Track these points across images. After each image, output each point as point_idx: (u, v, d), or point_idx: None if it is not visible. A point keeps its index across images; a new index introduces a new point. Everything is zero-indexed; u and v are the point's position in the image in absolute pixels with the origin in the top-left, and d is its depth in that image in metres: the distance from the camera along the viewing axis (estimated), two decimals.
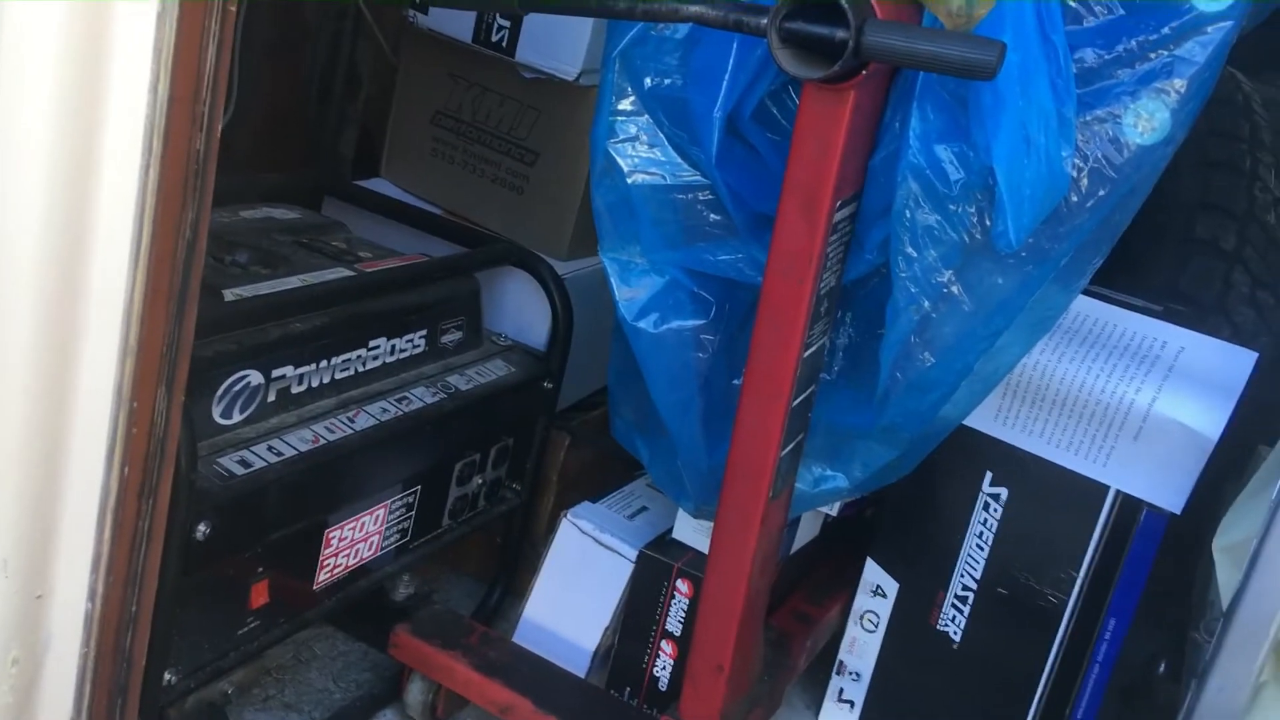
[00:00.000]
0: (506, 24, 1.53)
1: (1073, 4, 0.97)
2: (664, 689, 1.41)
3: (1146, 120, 0.93)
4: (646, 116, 1.10)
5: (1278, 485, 1.00)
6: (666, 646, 1.40)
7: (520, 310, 1.57)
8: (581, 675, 1.41)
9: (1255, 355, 1.32)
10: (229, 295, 1.18)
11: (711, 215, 1.13)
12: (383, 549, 1.32)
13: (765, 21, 0.90)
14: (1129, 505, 1.34)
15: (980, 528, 1.41)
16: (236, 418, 1.13)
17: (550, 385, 1.51)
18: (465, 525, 1.45)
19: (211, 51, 0.67)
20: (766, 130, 1.08)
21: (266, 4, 1.80)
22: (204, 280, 0.80)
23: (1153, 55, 0.93)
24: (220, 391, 1.11)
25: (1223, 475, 1.32)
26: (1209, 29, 0.93)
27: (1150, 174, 0.99)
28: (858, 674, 1.52)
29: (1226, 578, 1.16)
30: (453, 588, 1.66)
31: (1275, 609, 1.01)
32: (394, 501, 1.30)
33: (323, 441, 1.18)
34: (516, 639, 1.44)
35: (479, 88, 1.65)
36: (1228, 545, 1.17)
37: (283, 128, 1.90)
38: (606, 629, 1.43)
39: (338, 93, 1.92)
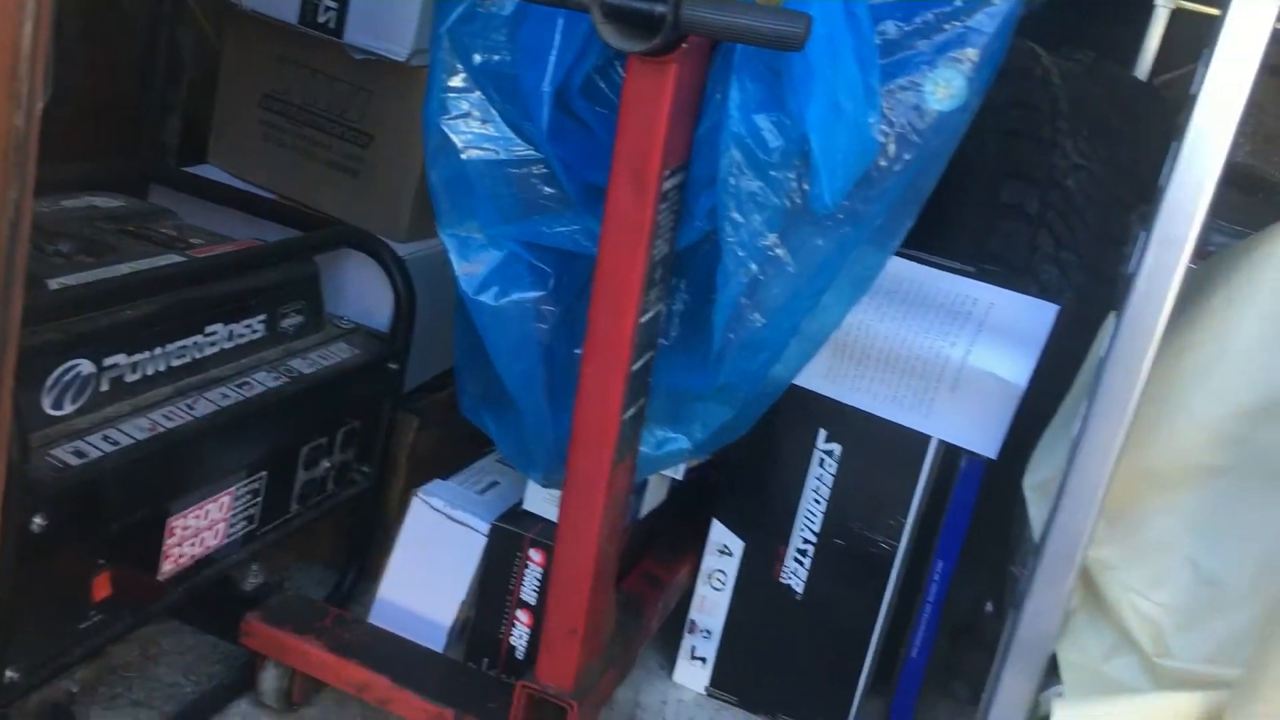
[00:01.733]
0: (334, 5, 1.52)
1: None
2: (521, 658, 1.44)
3: (945, 88, 1.01)
4: (478, 93, 1.12)
5: (1078, 425, 1.09)
6: (522, 616, 1.43)
7: (361, 293, 1.56)
8: (439, 650, 1.42)
9: (1056, 308, 1.43)
10: (54, 284, 1.15)
11: (546, 188, 1.15)
12: (229, 537, 1.30)
13: None
14: (950, 453, 1.43)
15: (817, 483, 1.48)
16: (68, 408, 1.11)
17: (396, 366, 1.52)
18: (315, 510, 1.45)
19: (29, 28, 0.67)
20: (595, 104, 1.12)
21: None
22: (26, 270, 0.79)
23: (947, 26, 1.01)
24: (50, 382, 1.08)
25: (1037, 424, 1.43)
26: (996, 1, 1.00)
27: (951, 139, 1.07)
28: (709, 631, 1.58)
29: (1037, 513, 1.25)
30: (304, 576, 1.64)
31: (1080, 539, 1.10)
32: (239, 488, 1.29)
33: (161, 429, 1.16)
34: (372, 620, 1.45)
35: (307, 69, 1.64)
36: (1036, 483, 1.27)
37: (101, 117, 1.84)
38: (462, 603, 1.45)
39: (159, 78, 1.87)
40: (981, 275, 1.51)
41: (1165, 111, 2.19)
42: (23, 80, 0.67)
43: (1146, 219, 1.02)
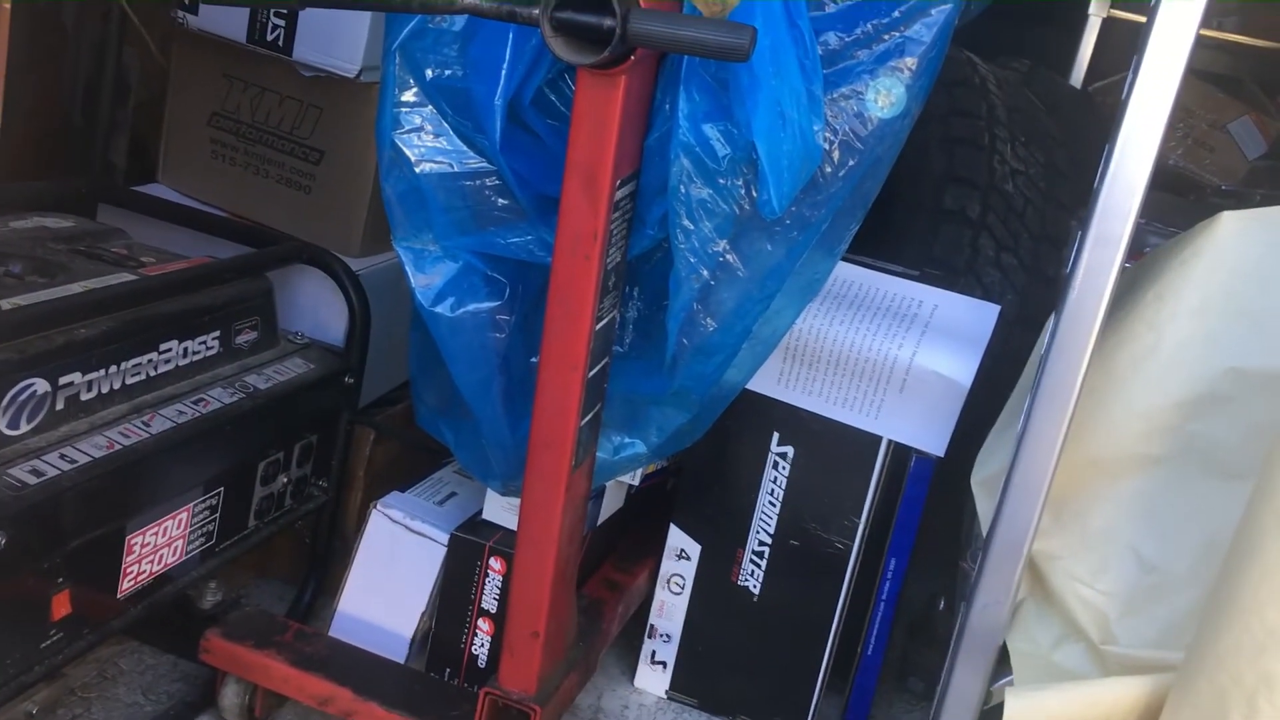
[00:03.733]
0: (282, 22, 1.53)
1: None
2: (483, 666, 1.45)
3: (885, 96, 1.04)
4: (430, 107, 1.14)
5: (1021, 421, 1.12)
6: (483, 624, 1.44)
7: (316, 308, 1.57)
8: (401, 661, 1.43)
9: (998, 308, 1.47)
10: (6, 305, 1.15)
11: (500, 200, 1.17)
12: (188, 553, 1.30)
13: (537, 12, 0.95)
14: (900, 452, 1.46)
15: (771, 485, 1.51)
16: (24, 427, 1.10)
17: (351, 380, 1.52)
18: (272, 525, 1.45)
19: None
20: (546, 116, 1.14)
21: (19, 9, 1.73)
22: None
23: (886, 37, 1.04)
24: (5, 401, 1.08)
25: (984, 424, 1.46)
26: (933, 12, 1.04)
27: (893, 145, 1.10)
28: (668, 635, 1.59)
29: (985, 508, 1.28)
30: (262, 592, 1.64)
31: (1026, 532, 1.13)
32: (197, 504, 1.29)
33: (117, 446, 1.16)
34: (333, 633, 1.45)
35: (256, 87, 1.64)
36: (983, 479, 1.30)
37: (48, 137, 1.83)
38: (423, 614, 1.45)
39: (105, 98, 1.86)
40: (925, 279, 1.55)
41: (1099, 117, 2.26)
42: None
43: (1083, 220, 1.06)
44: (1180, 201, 2.25)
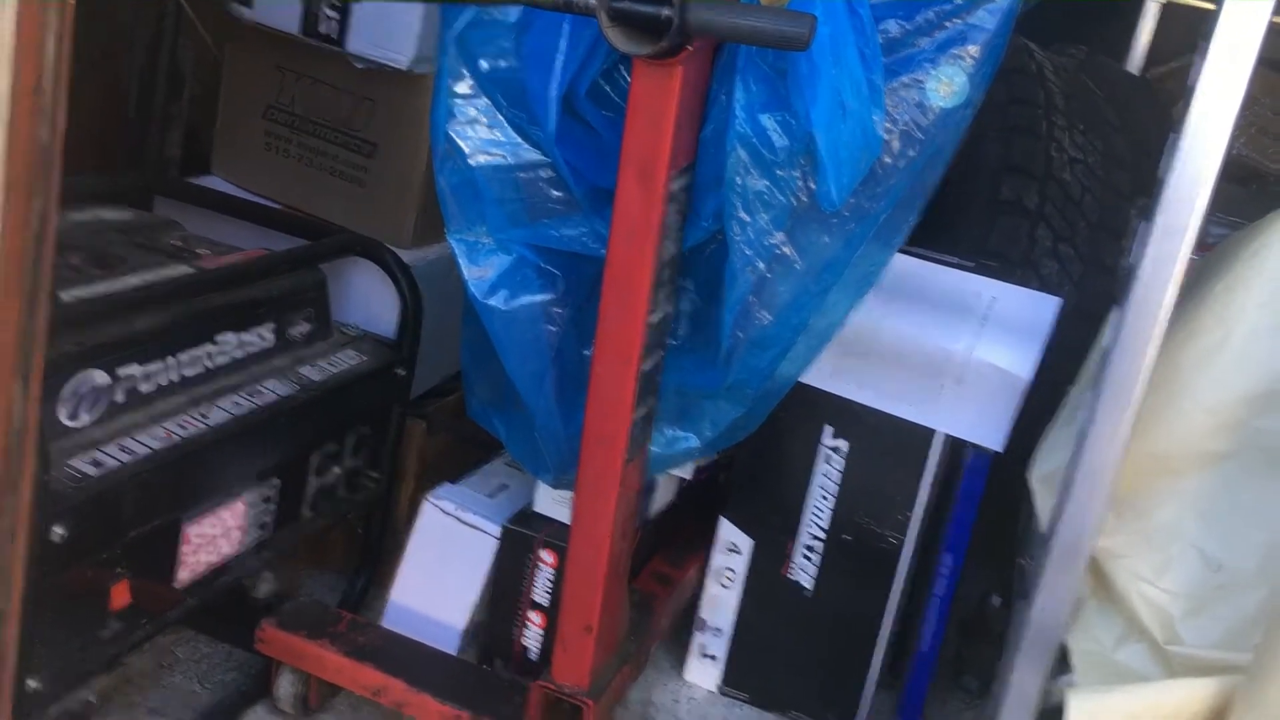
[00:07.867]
0: (335, 15, 1.53)
1: None
2: (534, 658, 1.45)
3: (947, 84, 1.02)
4: (485, 99, 1.13)
5: (1084, 416, 1.10)
6: (534, 617, 1.44)
7: (368, 300, 1.57)
8: (452, 653, 1.43)
9: (1059, 300, 1.44)
10: (66, 297, 1.16)
11: (554, 192, 1.17)
12: (244, 543, 1.31)
13: (594, 2, 0.94)
14: (956, 447, 1.44)
15: (824, 479, 1.49)
16: (85, 419, 1.12)
17: (403, 372, 1.53)
18: (326, 516, 1.45)
19: (51, 44, 0.68)
20: (602, 108, 1.13)
21: (78, 4, 1.74)
22: None
23: (949, 24, 1.02)
24: (66, 393, 1.09)
25: (1039, 418, 1.44)
26: None
27: (954, 135, 1.08)
28: (719, 629, 1.58)
29: (1044, 505, 1.26)
30: (315, 584, 1.65)
31: (1088, 529, 1.11)
32: (252, 495, 1.30)
33: (175, 438, 1.17)
34: (385, 624, 1.46)
35: (309, 79, 1.64)
36: (1043, 475, 1.28)
37: (104, 130, 1.85)
38: (474, 605, 1.46)
39: (160, 91, 1.88)
40: (982, 270, 1.52)
41: (1159, 104, 2.21)
42: (46, 94, 0.68)
43: (1145, 210, 1.03)
44: (1243, 191, 2.20)
